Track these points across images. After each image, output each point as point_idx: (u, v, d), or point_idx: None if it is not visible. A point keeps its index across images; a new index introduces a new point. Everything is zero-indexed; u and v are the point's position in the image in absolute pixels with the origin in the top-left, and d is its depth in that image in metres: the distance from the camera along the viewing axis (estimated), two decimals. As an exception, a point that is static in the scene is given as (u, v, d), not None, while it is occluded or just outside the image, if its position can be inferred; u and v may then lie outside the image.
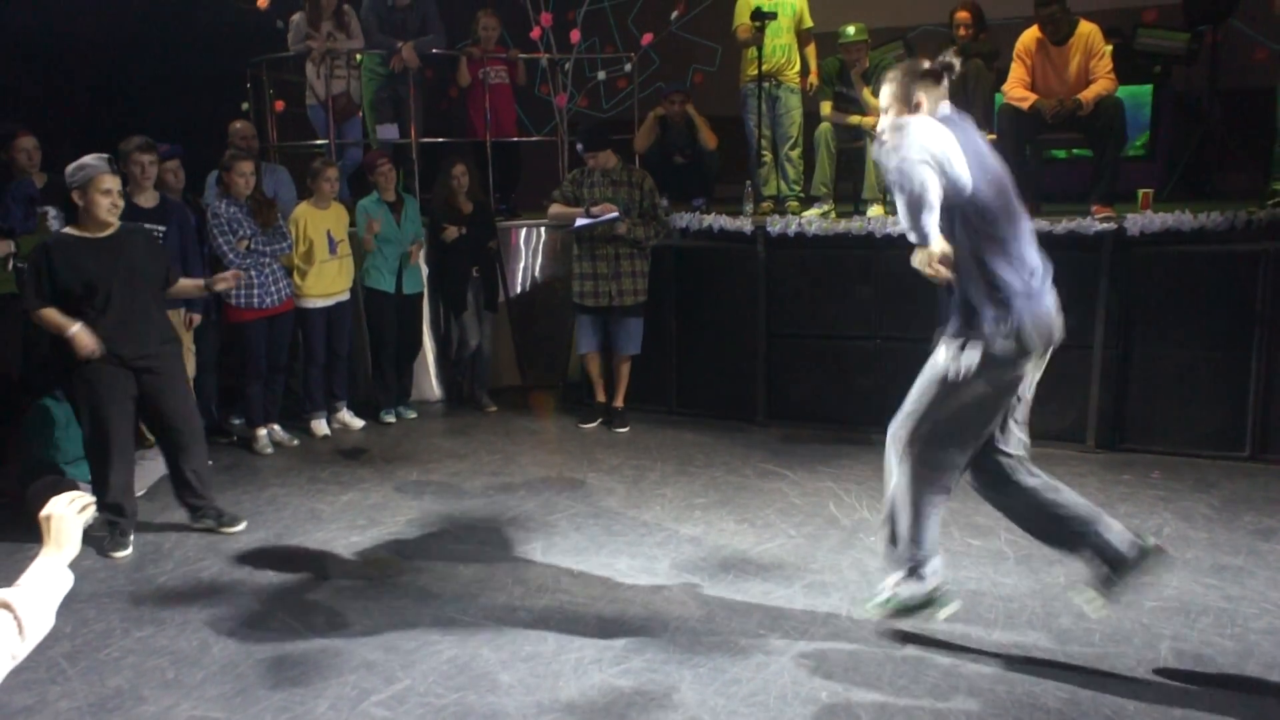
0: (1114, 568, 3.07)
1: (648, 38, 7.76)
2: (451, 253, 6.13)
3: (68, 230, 4.12)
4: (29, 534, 4.25)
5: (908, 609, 3.22)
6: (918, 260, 2.93)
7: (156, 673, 3.23)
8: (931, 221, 2.81)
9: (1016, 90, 5.62)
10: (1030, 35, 5.65)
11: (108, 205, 4.00)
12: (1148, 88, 6.75)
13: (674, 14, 7.86)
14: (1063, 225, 5.16)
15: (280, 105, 7.16)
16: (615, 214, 5.58)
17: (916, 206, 2.78)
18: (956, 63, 3.05)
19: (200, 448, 4.43)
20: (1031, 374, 3.10)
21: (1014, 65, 5.69)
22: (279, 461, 5.49)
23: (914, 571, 3.20)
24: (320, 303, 5.78)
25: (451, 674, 3.18)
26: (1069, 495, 3.14)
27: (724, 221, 6.03)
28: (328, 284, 5.77)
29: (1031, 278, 2.97)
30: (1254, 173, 6.24)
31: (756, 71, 6.22)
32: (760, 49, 6.17)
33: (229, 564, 4.10)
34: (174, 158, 5.45)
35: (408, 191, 6.37)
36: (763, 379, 5.95)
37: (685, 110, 6.77)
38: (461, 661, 3.25)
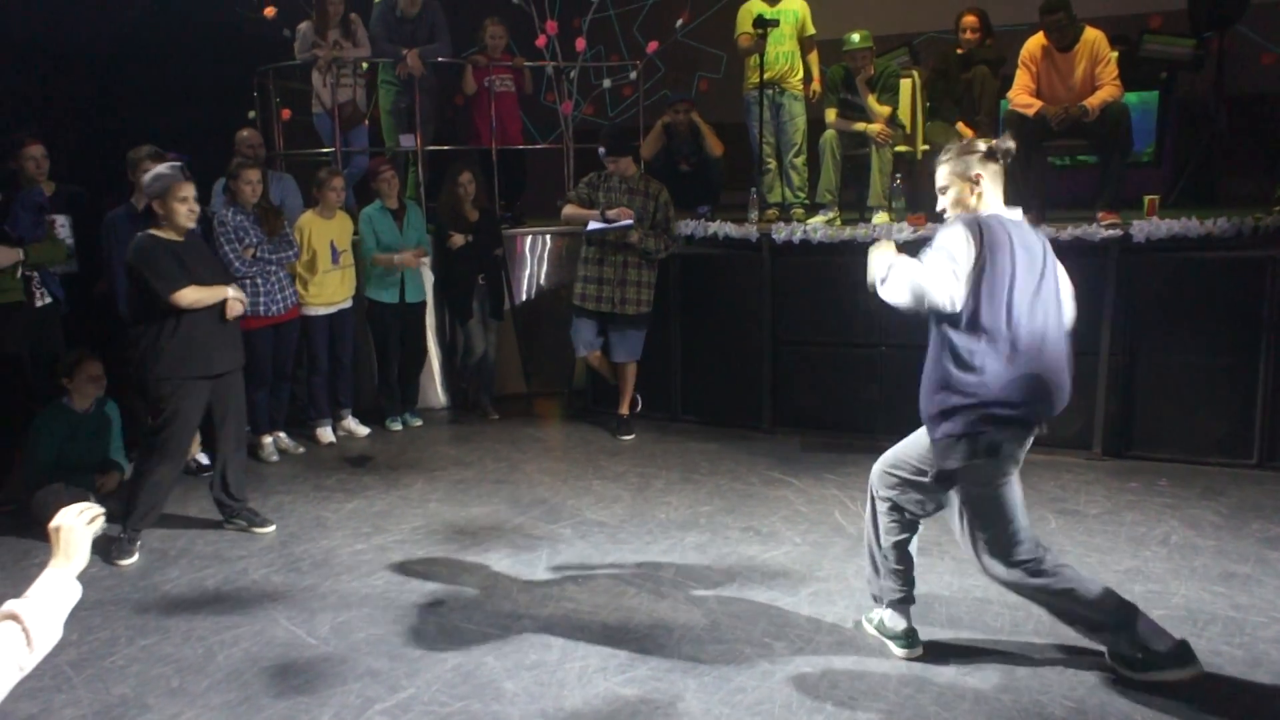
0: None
1: (653, 45, 7.77)
2: (457, 260, 6.14)
3: (153, 232, 4.21)
4: (34, 541, 4.28)
5: (889, 635, 3.31)
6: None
7: (161, 681, 3.24)
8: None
9: (1022, 97, 5.61)
10: (1036, 42, 5.65)
11: (185, 212, 4.15)
12: (1154, 94, 6.74)
13: (679, 22, 7.86)
14: (1069, 232, 5.15)
15: (287, 113, 7.19)
16: (630, 221, 5.58)
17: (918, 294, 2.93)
18: (1012, 146, 3.08)
19: (244, 452, 4.59)
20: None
21: (1019, 72, 5.68)
22: (284, 469, 5.50)
23: (898, 603, 3.29)
24: (323, 310, 5.79)
25: (456, 682, 3.17)
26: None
27: (729, 229, 6.02)
28: (330, 293, 5.78)
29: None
30: (1261, 179, 6.23)
31: (759, 79, 6.23)
32: (762, 56, 6.18)
33: (233, 571, 4.11)
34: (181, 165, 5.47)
35: (413, 199, 6.38)
36: (768, 386, 5.95)
37: (690, 118, 6.78)
38: (466, 670, 3.25)
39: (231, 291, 4.25)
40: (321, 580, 3.99)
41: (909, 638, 3.27)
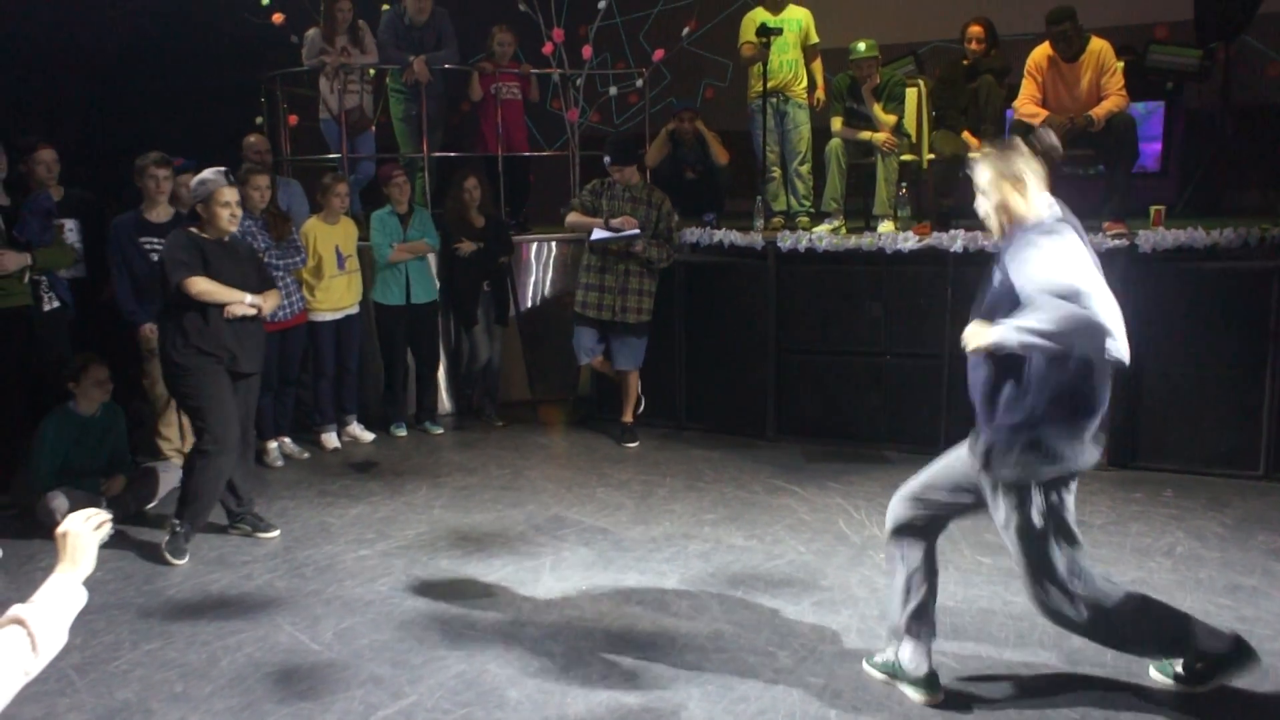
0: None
1: (659, 53, 7.79)
2: (463, 267, 6.15)
3: (191, 229, 4.29)
4: (39, 545, 4.29)
5: (903, 677, 3.11)
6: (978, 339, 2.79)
7: (165, 685, 3.24)
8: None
9: (1028, 106, 5.62)
10: (1042, 52, 5.65)
11: (228, 216, 4.24)
12: (1160, 104, 6.74)
13: (685, 30, 7.88)
14: (1074, 242, 5.14)
15: (294, 119, 7.21)
16: (636, 231, 5.59)
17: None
18: (1058, 144, 2.91)
19: (251, 456, 4.63)
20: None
21: (1025, 81, 5.69)
22: (289, 474, 5.51)
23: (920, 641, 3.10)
24: (329, 316, 5.80)
25: (459, 689, 3.17)
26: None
27: (735, 237, 6.03)
28: (336, 298, 5.79)
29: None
30: (1267, 189, 6.22)
31: (763, 87, 6.24)
32: (766, 65, 6.19)
33: (238, 577, 4.11)
34: (188, 171, 5.49)
35: (420, 205, 6.39)
36: (772, 394, 5.94)
37: (696, 127, 6.79)
38: (469, 677, 3.24)
39: (250, 299, 4.25)
40: (325, 586, 3.99)
41: (930, 682, 3.05)
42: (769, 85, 6.29)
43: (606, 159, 5.78)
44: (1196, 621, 2.94)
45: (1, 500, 4.89)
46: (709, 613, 3.68)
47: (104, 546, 3.89)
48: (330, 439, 5.96)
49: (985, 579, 3.89)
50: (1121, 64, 5.61)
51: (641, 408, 6.14)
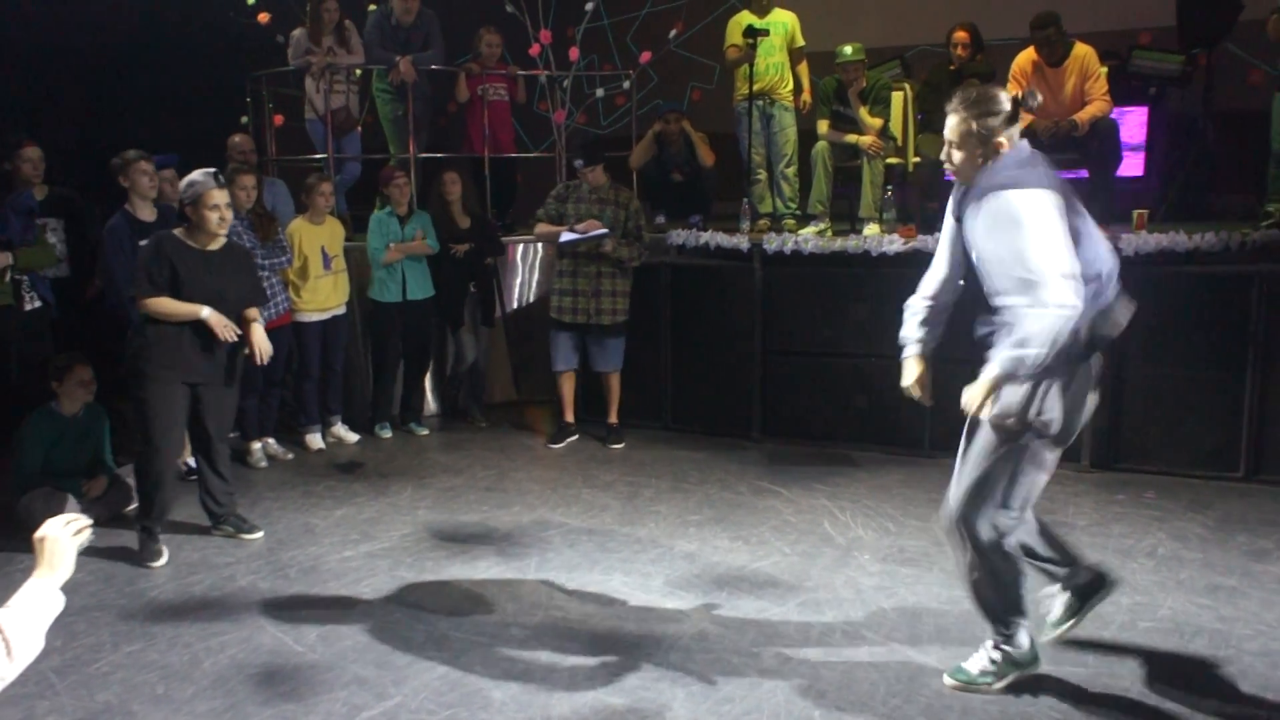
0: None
1: (646, 55, 7.81)
2: (449, 268, 6.14)
3: (177, 233, 4.22)
4: (18, 546, 4.25)
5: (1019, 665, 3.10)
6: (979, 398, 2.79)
7: (146, 688, 3.22)
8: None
9: (1012, 111, 5.64)
10: (1026, 56, 5.70)
11: (216, 219, 4.15)
12: (1143, 109, 6.79)
13: (672, 32, 7.90)
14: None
15: (279, 119, 7.18)
16: (604, 230, 5.58)
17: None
18: (1041, 99, 2.85)
19: (224, 461, 4.55)
20: None
21: (1010, 86, 5.72)
22: (273, 475, 5.48)
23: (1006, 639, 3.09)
24: (315, 316, 5.78)
25: (443, 691, 3.16)
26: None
27: (721, 239, 6.04)
28: (323, 299, 5.77)
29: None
30: (1248, 194, 6.28)
31: (749, 90, 6.26)
32: (752, 67, 6.21)
33: (220, 578, 4.09)
34: (168, 166, 5.45)
35: (420, 206, 6.36)
36: (758, 396, 5.95)
37: (682, 128, 6.80)
38: (453, 678, 3.23)
39: (205, 313, 4.13)
40: (309, 587, 3.98)
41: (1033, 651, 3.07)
42: (755, 88, 6.31)
43: (578, 162, 5.78)
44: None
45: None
46: (694, 614, 3.68)
47: (86, 549, 3.87)
48: (315, 440, 5.93)
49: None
50: (1105, 69, 5.66)
51: (620, 442, 6.02)
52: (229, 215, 4.22)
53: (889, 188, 6.11)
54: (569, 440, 5.97)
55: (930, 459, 5.40)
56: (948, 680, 3.13)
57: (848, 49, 6.05)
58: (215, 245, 4.25)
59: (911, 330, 3.17)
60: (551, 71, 7.55)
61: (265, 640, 3.53)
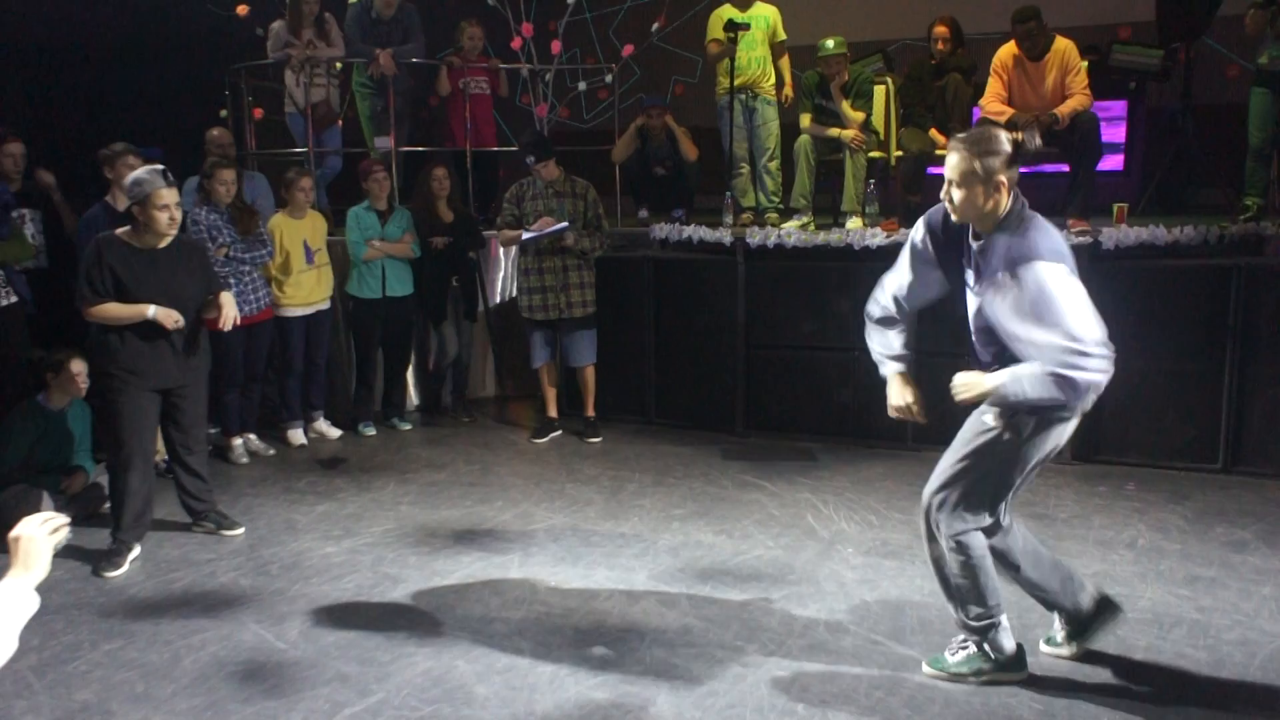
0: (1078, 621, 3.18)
1: (629, 49, 7.79)
2: (431, 262, 6.10)
3: (121, 234, 4.12)
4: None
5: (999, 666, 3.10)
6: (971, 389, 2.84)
7: (125, 686, 3.19)
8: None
9: (994, 104, 5.67)
10: (1007, 50, 5.71)
11: (166, 220, 4.03)
12: (1123, 103, 6.83)
13: (655, 26, 7.88)
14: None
15: (259, 112, 7.13)
16: (562, 225, 5.55)
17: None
18: (1040, 145, 2.88)
19: (205, 453, 4.50)
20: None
21: (991, 80, 5.74)
22: (254, 471, 5.45)
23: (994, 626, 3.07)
24: (299, 312, 5.73)
25: (426, 686, 3.15)
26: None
27: (703, 233, 6.04)
28: (306, 294, 5.73)
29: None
30: (1226, 188, 6.33)
31: (730, 84, 6.25)
32: (733, 61, 6.20)
33: (201, 575, 4.06)
34: (152, 162, 5.40)
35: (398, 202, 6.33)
36: (741, 390, 5.96)
37: (665, 123, 6.78)
38: (436, 674, 3.22)
39: (151, 311, 4.03)
40: (291, 584, 3.95)
41: (1018, 659, 3.08)
42: (737, 82, 6.31)
43: (529, 160, 5.72)
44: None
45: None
46: (677, 608, 3.68)
47: (64, 546, 3.83)
48: (297, 435, 5.89)
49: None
50: (1085, 63, 5.68)
51: (597, 436, 5.97)
52: (178, 215, 4.07)
53: (871, 182, 6.12)
54: (552, 435, 5.96)
55: (913, 452, 5.42)
56: (926, 669, 3.16)
57: (830, 43, 6.05)
58: (164, 243, 4.12)
59: (891, 343, 3.13)
60: (534, 65, 7.52)
61: (246, 637, 3.50)
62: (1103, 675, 3.14)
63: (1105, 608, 3.16)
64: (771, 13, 6.58)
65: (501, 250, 6.88)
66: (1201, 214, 5.85)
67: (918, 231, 3.05)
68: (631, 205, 7.25)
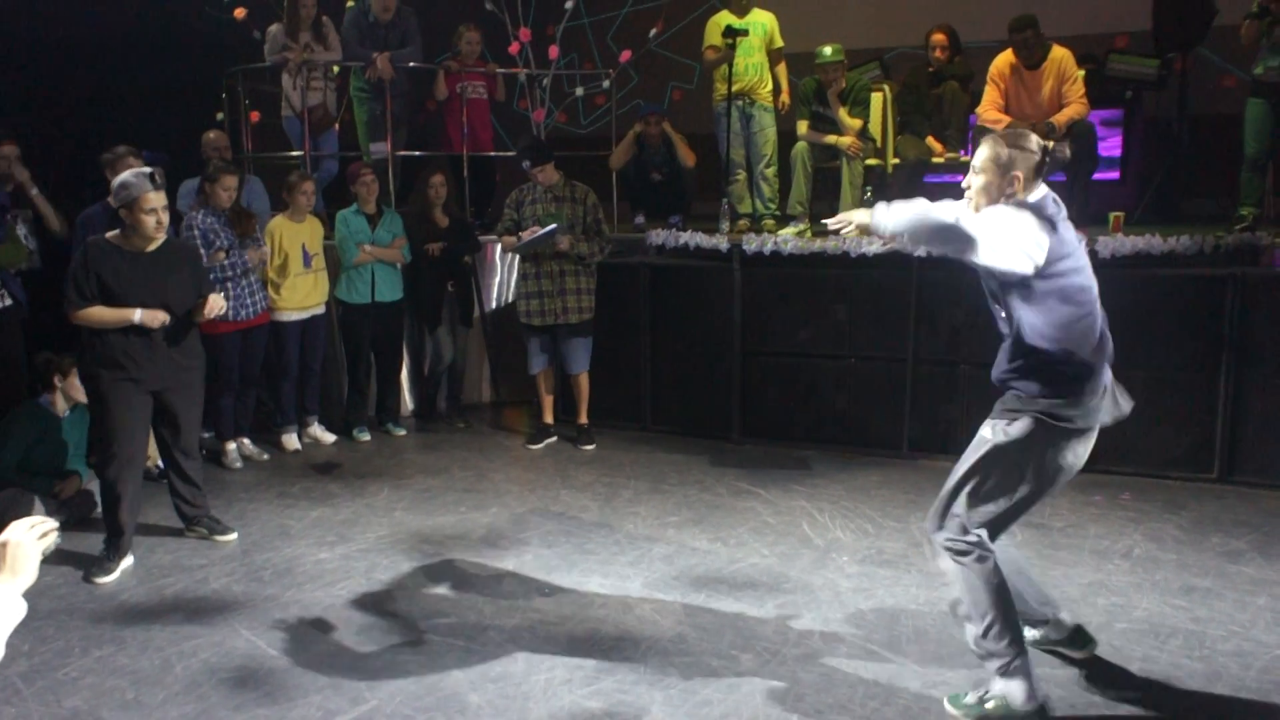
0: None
1: (626, 55, 7.79)
2: (427, 267, 6.09)
3: (110, 237, 4.11)
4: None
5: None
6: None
7: (116, 693, 3.16)
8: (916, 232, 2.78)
9: (990, 113, 5.68)
10: (1004, 59, 5.72)
11: (153, 224, 4.01)
12: (1119, 112, 6.85)
13: (653, 32, 7.88)
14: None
15: (255, 116, 7.11)
16: (550, 228, 5.51)
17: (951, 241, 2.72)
18: (1068, 155, 2.97)
19: (199, 458, 4.48)
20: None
21: (988, 88, 5.75)
22: (248, 475, 5.42)
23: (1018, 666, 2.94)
24: (295, 316, 5.72)
25: (419, 694, 3.13)
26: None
27: (700, 239, 6.03)
28: (302, 297, 5.71)
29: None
30: (1221, 197, 6.34)
31: (728, 90, 6.26)
32: (731, 67, 6.20)
33: (193, 581, 4.03)
34: (155, 165, 5.38)
35: (388, 205, 6.32)
36: (737, 397, 5.95)
37: (662, 130, 6.78)
38: (429, 681, 3.21)
39: (137, 316, 4.01)
40: (284, 590, 3.93)
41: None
42: (734, 88, 6.31)
43: (525, 165, 5.71)
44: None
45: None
46: (672, 616, 3.67)
47: (55, 551, 3.80)
48: (291, 440, 5.87)
49: (948, 583, 3.91)
50: (1082, 72, 5.69)
51: (591, 443, 5.97)
52: (165, 218, 4.05)
53: (868, 189, 6.12)
54: (547, 441, 5.95)
55: (908, 460, 5.41)
56: (949, 709, 3.01)
57: (827, 50, 6.06)
58: (153, 246, 4.10)
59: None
60: (531, 70, 7.52)
61: (238, 644, 3.48)
62: (1099, 686, 3.13)
63: (1081, 637, 3.18)
64: (769, 19, 6.58)
65: (497, 255, 6.87)
66: (1197, 224, 5.85)
67: None
68: (628, 211, 7.24)
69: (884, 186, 6.55)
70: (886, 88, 6.59)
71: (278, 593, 3.90)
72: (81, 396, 4.62)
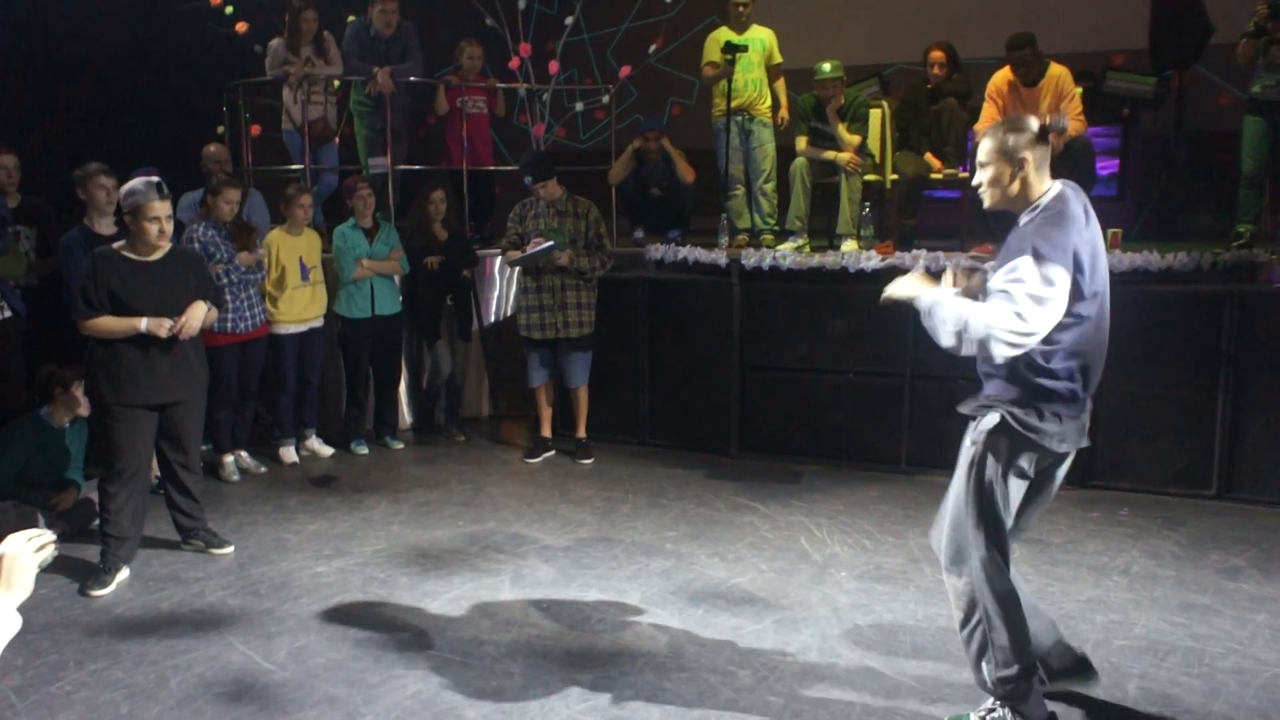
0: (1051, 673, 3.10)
1: (626, 70, 7.82)
2: (426, 281, 6.10)
3: (118, 247, 4.13)
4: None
5: None
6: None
7: (110, 708, 3.15)
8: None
9: (988, 129, 5.69)
10: (1002, 76, 5.75)
11: (155, 232, 4.03)
12: (1116, 129, 6.88)
13: (652, 47, 7.92)
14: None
15: (256, 129, 7.13)
16: (549, 244, 5.53)
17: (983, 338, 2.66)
18: (1067, 124, 2.95)
19: (200, 472, 4.47)
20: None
21: (986, 105, 5.77)
22: (245, 489, 5.41)
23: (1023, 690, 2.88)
24: (293, 329, 5.72)
25: (415, 710, 3.12)
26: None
27: (699, 254, 6.05)
28: (299, 310, 5.71)
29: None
30: (1219, 214, 6.36)
31: (726, 106, 6.28)
32: (730, 82, 6.23)
33: (189, 594, 4.02)
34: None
35: (385, 219, 6.33)
36: (736, 411, 5.95)
37: (662, 145, 6.81)
38: (426, 697, 3.19)
39: (143, 324, 4.01)
40: (280, 603, 3.92)
41: None
42: (734, 103, 6.33)
43: (527, 180, 5.72)
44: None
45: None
46: (670, 631, 3.65)
47: (51, 563, 3.78)
48: (289, 453, 5.86)
49: (945, 599, 3.90)
50: (1080, 90, 5.71)
51: (589, 457, 5.95)
52: (169, 227, 4.07)
53: (866, 204, 6.14)
54: (545, 455, 5.94)
55: (906, 476, 5.41)
56: None
57: (826, 66, 6.09)
58: (158, 255, 4.12)
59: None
60: (531, 85, 7.55)
61: (234, 658, 3.47)
62: (1097, 704, 3.12)
63: (1083, 668, 3.10)
64: (768, 35, 6.61)
65: (496, 270, 6.88)
66: (1195, 240, 5.87)
67: None
68: (627, 226, 7.26)
69: (882, 202, 6.57)
70: (885, 104, 6.61)
71: (274, 606, 3.89)
72: (82, 409, 4.62)
